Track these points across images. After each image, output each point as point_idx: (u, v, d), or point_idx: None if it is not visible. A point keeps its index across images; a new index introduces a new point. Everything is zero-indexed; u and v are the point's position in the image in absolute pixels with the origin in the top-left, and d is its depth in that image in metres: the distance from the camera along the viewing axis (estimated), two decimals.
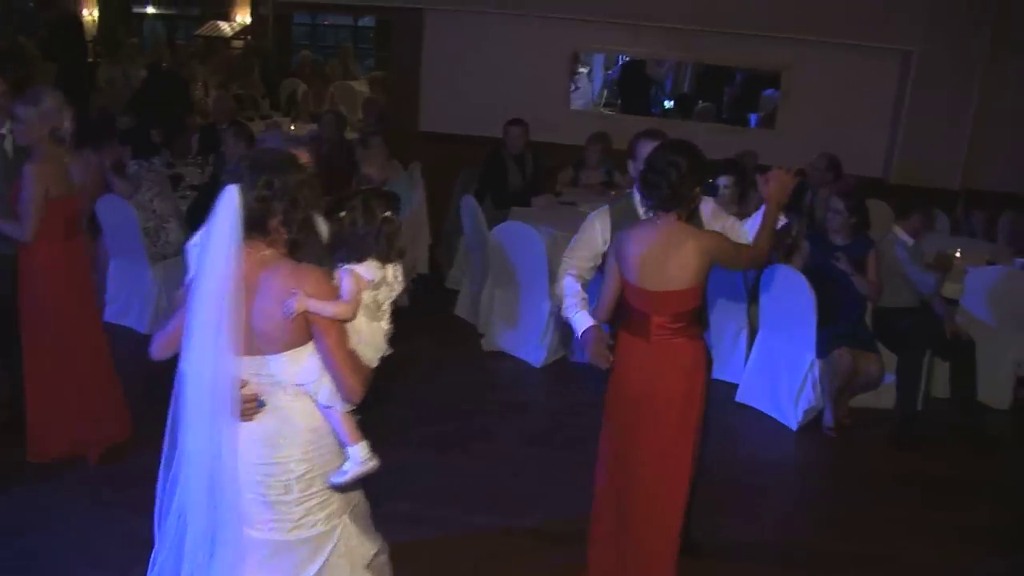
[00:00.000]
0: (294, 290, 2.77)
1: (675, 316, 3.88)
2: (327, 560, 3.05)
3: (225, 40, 16.79)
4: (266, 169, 2.80)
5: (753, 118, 11.82)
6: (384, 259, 3.06)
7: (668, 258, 3.81)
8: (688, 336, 3.94)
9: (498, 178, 8.39)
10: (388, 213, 3.07)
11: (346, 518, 3.13)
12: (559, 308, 4.34)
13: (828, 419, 6.37)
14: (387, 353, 3.12)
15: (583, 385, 6.51)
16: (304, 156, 3.20)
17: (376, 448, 3.07)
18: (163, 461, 2.96)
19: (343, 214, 3.03)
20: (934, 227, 8.35)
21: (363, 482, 3.13)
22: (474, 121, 10.31)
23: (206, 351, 2.76)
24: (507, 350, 7.26)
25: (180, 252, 7.19)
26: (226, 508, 2.88)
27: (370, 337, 3.05)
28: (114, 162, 7.21)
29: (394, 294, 3.12)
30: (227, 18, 17.23)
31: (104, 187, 7.07)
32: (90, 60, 14.14)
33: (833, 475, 5.94)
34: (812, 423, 6.40)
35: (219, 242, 2.74)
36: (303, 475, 2.96)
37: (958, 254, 7.38)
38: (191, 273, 2.96)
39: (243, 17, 17.23)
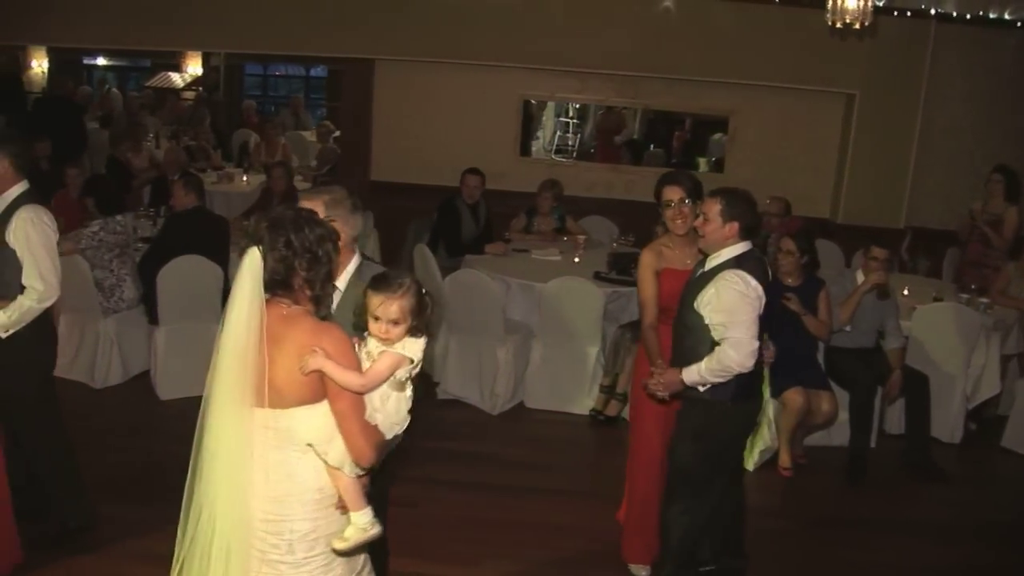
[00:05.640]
0: (313, 348, 2.80)
1: None
2: None
3: (176, 91, 16.75)
4: (285, 228, 2.84)
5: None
6: (430, 336, 3.07)
7: None
8: None
9: (453, 227, 8.41)
10: (426, 291, 3.06)
11: None
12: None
13: (784, 459, 6.41)
14: (406, 424, 3.08)
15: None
16: (321, 209, 3.28)
17: None
18: (183, 506, 2.92)
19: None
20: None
21: (368, 548, 3.13)
22: (424, 170, 10.37)
23: (229, 403, 2.80)
24: (463, 398, 7.24)
25: (132, 307, 7.16)
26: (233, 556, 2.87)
27: (394, 407, 3.01)
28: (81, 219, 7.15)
29: (417, 368, 3.06)
30: (178, 69, 17.21)
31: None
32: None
33: (789, 515, 5.96)
34: (768, 463, 6.43)
35: (241, 301, 2.78)
36: (306, 535, 2.94)
37: (905, 292, 7.49)
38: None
39: (194, 68, 17.23)
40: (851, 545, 5.61)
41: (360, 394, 2.90)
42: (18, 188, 4.63)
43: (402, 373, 2.99)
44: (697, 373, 4.18)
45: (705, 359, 4.16)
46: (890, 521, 5.95)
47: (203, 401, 2.86)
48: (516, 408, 7.25)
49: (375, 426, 2.95)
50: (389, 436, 3.02)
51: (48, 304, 4.61)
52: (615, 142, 12.61)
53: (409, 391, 3.05)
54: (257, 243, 2.81)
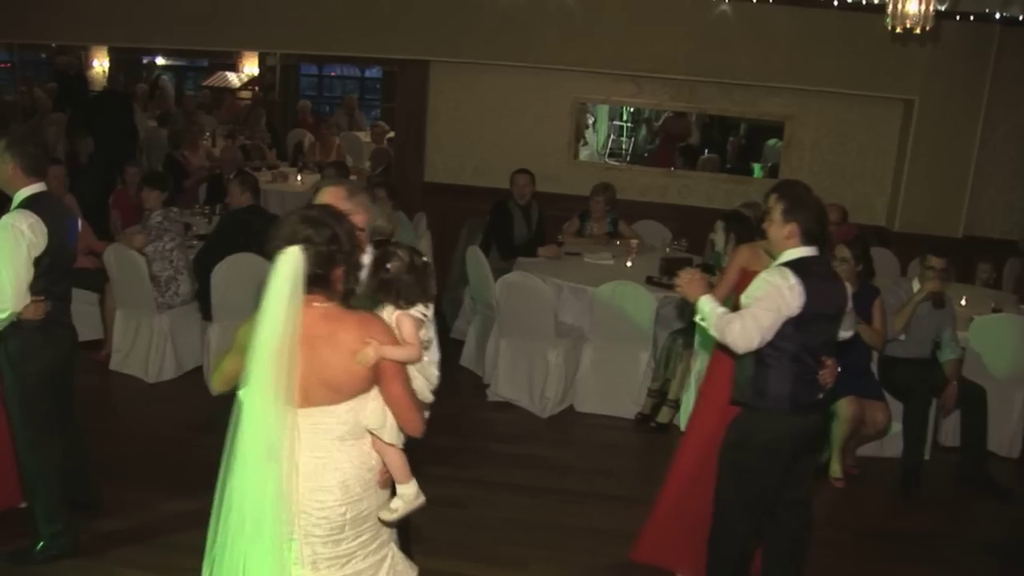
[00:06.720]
0: (367, 340, 2.90)
1: None
2: None
3: (232, 91, 16.94)
4: (327, 223, 2.92)
5: None
6: (427, 300, 3.26)
7: None
8: None
9: (505, 229, 8.42)
10: (425, 258, 3.29)
11: (393, 546, 3.27)
12: None
13: (835, 469, 6.34)
14: (438, 383, 3.34)
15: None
16: (342, 198, 3.41)
17: None
18: (215, 499, 2.96)
19: (389, 265, 3.22)
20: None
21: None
22: (478, 172, 10.38)
23: (267, 402, 2.84)
24: (513, 400, 7.25)
25: (186, 303, 7.27)
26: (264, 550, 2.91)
27: (420, 373, 3.27)
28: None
29: (431, 330, 3.29)
30: (235, 69, 17.39)
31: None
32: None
33: (839, 526, 5.87)
34: (819, 472, 6.36)
35: (278, 303, 2.82)
36: (357, 515, 3.07)
37: (963, 302, 7.38)
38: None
39: (250, 68, 17.41)
40: (902, 559, 5.54)
41: (413, 363, 3.13)
42: (28, 190, 4.48)
43: (423, 333, 3.23)
44: (709, 307, 4.11)
45: (724, 309, 4.12)
46: (943, 536, 5.86)
47: (238, 400, 2.91)
48: (566, 411, 7.24)
49: (417, 396, 3.15)
50: (430, 399, 3.31)
51: (3, 316, 4.38)
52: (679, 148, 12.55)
53: (433, 351, 3.36)
54: (297, 242, 2.85)
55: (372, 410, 3.01)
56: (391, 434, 3.05)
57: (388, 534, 3.24)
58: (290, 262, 2.82)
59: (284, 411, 2.86)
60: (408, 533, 3.90)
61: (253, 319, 2.93)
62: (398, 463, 3.15)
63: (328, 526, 3.02)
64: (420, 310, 3.23)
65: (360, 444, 3.05)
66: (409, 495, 3.19)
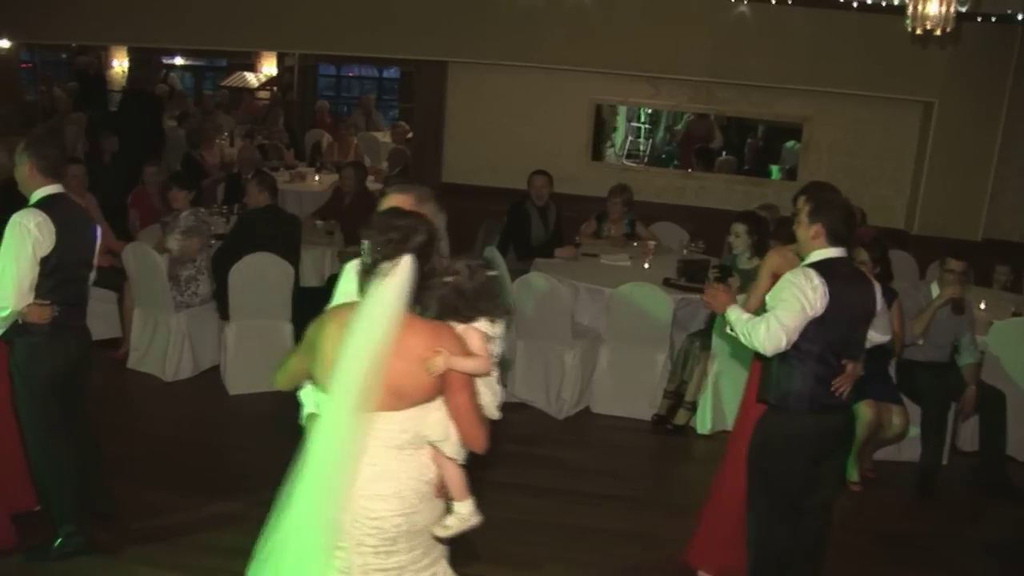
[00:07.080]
0: (437, 349, 2.86)
1: None
2: None
3: (251, 91, 17.00)
4: (418, 230, 2.91)
5: None
6: (493, 315, 3.11)
7: None
8: None
9: (522, 230, 8.42)
10: (491, 272, 3.14)
11: (444, 562, 3.20)
12: None
13: (852, 473, 6.31)
14: (503, 400, 3.24)
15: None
16: (412, 204, 3.33)
17: None
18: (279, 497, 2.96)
19: (448, 279, 3.05)
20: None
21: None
22: (496, 173, 10.39)
23: (346, 410, 2.84)
24: (529, 401, 7.24)
25: (205, 303, 7.29)
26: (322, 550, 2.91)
27: (487, 388, 3.14)
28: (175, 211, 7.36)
29: (500, 347, 3.17)
30: (253, 69, 17.45)
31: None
32: (114, 110, 14.32)
33: (856, 530, 5.83)
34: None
35: (383, 310, 2.83)
36: (412, 529, 3.02)
37: (982, 306, 7.33)
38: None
39: (269, 68, 17.47)
40: (917, 563, 5.50)
41: (481, 376, 3.03)
42: (44, 191, 4.49)
43: (490, 347, 3.09)
44: (735, 315, 4.16)
45: (749, 315, 4.14)
46: (959, 540, 5.82)
47: (321, 403, 2.91)
48: (582, 413, 7.23)
49: (482, 412, 3.07)
50: (496, 416, 3.17)
51: (3, 314, 4.37)
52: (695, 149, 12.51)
53: (495, 370, 3.19)
54: (410, 251, 2.85)
55: (435, 421, 2.96)
56: (453, 448, 3.01)
57: (440, 550, 3.17)
58: (403, 273, 2.84)
59: (361, 421, 2.85)
60: (469, 549, 3.89)
61: (323, 318, 2.96)
62: (456, 479, 3.09)
63: (380, 536, 2.96)
64: (484, 325, 3.09)
65: (418, 455, 2.99)
66: (464, 513, 3.11)
